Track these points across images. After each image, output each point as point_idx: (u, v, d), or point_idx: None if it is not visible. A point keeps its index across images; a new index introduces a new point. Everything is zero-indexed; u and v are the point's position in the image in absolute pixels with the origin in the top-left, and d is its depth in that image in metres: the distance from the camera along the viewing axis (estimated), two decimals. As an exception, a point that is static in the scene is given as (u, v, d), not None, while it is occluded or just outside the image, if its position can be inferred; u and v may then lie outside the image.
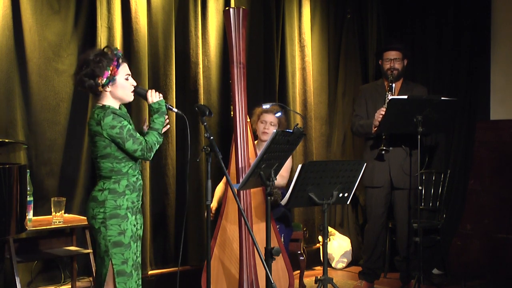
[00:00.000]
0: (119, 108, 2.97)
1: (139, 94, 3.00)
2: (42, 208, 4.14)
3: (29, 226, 3.73)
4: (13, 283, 3.72)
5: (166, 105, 2.99)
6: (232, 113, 4.12)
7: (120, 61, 2.91)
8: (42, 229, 3.88)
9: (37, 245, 4.03)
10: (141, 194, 2.99)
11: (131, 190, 2.90)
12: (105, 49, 2.92)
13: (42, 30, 4.18)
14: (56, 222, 3.89)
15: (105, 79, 2.85)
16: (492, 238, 5.25)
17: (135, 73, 4.46)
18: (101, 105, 2.89)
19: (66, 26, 4.29)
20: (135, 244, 2.89)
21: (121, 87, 2.91)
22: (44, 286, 4.23)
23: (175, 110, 3.03)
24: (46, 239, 4.07)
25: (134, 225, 2.90)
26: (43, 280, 4.25)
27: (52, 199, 3.96)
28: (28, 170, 3.70)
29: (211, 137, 3.04)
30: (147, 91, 2.99)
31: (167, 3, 4.68)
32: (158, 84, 4.63)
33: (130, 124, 2.91)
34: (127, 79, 2.93)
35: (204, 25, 4.89)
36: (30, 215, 3.86)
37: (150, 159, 2.92)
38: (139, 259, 2.95)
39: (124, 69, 2.93)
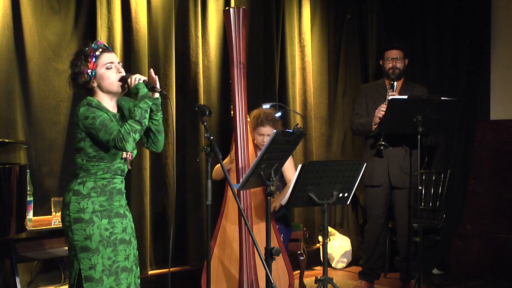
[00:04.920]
0: (118, 101, 2.89)
1: (124, 80, 2.82)
2: (42, 208, 4.14)
3: (29, 226, 3.74)
4: (13, 283, 3.72)
5: (148, 86, 2.79)
6: (232, 113, 4.13)
7: (98, 53, 2.79)
8: (42, 229, 3.87)
9: (37, 245, 4.02)
10: (118, 198, 2.84)
11: (98, 193, 2.77)
12: (82, 46, 2.84)
13: (42, 30, 4.18)
14: (56, 222, 3.88)
15: (86, 76, 2.79)
16: (492, 238, 5.25)
17: (135, 73, 4.45)
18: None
19: (66, 26, 4.30)
20: (111, 248, 2.76)
21: (101, 78, 2.79)
22: (44, 286, 4.23)
23: (159, 90, 2.82)
24: (46, 239, 4.06)
25: (106, 229, 2.76)
26: (43, 280, 4.25)
27: (52, 199, 3.96)
28: (28, 170, 3.71)
29: (211, 137, 3.01)
30: (129, 77, 2.81)
31: (167, 3, 4.68)
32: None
33: (111, 116, 2.78)
34: (108, 68, 2.80)
35: (204, 25, 4.90)
36: (30, 215, 3.86)
37: (128, 149, 2.71)
38: (125, 263, 2.81)
39: (103, 59, 2.80)
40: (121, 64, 2.87)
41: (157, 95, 2.87)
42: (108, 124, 2.71)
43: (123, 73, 2.84)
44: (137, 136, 2.74)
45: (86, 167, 2.78)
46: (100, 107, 2.76)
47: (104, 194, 2.80)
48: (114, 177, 2.83)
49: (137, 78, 2.80)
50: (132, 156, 2.92)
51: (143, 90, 2.78)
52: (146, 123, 2.77)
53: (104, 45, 2.85)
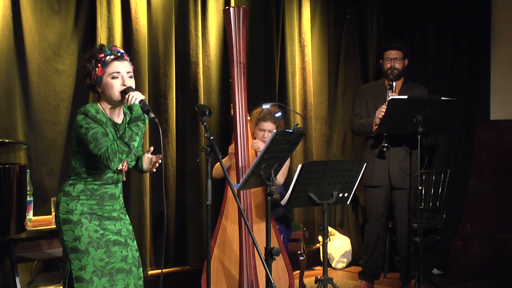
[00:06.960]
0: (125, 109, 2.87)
1: (124, 94, 2.74)
2: (42, 208, 4.14)
3: (29, 226, 3.74)
4: (13, 283, 3.72)
5: (144, 109, 2.70)
6: (232, 112, 4.12)
7: (109, 59, 2.74)
8: (42, 229, 3.87)
9: (37, 245, 4.02)
10: (110, 202, 2.82)
11: (88, 196, 2.77)
12: (97, 48, 2.80)
13: (42, 30, 4.18)
14: (56, 222, 3.88)
15: (92, 80, 2.76)
16: (492, 238, 5.25)
17: (135, 73, 4.43)
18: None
19: (66, 26, 4.29)
20: (103, 250, 2.75)
21: (106, 86, 2.75)
22: (44, 286, 4.23)
23: (152, 115, 2.71)
24: (46, 239, 4.06)
25: (96, 231, 2.75)
26: (43, 280, 4.25)
27: (52, 199, 3.96)
28: (28, 170, 3.71)
29: (211, 137, 3.02)
30: (128, 92, 2.73)
31: (167, 3, 4.67)
32: (158, 84, 4.63)
33: (105, 128, 2.73)
34: (114, 77, 2.74)
35: (204, 25, 4.89)
36: (30, 215, 3.86)
37: (112, 168, 2.69)
38: (121, 265, 2.80)
39: (112, 68, 2.75)
40: (130, 74, 2.80)
41: None
42: (100, 138, 2.68)
43: (127, 84, 2.77)
44: (124, 157, 2.70)
45: (78, 171, 2.79)
46: (96, 119, 2.72)
47: (94, 198, 2.79)
48: (113, 184, 2.83)
49: (134, 97, 2.72)
50: (128, 167, 2.91)
51: (137, 112, 2.71)
52: (135, 145, 2.71)
53: (118, 52, 2.78)
